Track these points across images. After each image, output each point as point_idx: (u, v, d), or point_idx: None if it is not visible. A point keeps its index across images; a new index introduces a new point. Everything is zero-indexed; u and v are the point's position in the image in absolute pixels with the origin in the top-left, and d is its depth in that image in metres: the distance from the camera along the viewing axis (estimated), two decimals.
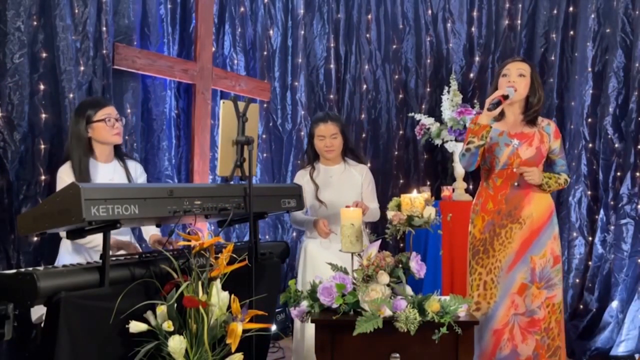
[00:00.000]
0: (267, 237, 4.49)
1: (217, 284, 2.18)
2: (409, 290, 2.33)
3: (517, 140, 2.75)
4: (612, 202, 3.98)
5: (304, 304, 2.30)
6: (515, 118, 2.82)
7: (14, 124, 2.84)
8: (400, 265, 2.35)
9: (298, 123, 4.66)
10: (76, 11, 3.12)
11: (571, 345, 3.89)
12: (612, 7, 4.01)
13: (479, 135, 2.64)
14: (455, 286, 3.84)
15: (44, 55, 3.01)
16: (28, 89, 2.90)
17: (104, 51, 3.26)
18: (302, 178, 3.24)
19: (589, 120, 4.09)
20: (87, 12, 3.15)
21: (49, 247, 2.90)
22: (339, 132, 3.19)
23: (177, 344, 2.05)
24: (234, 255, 2.25)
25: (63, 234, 2.49)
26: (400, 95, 4.78)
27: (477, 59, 4.66)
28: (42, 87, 3.00)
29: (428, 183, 4.65)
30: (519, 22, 4.51)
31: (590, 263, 4.04)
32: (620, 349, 3.73)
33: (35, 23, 2.96)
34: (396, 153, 4.75)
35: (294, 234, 4.60)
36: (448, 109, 4.22)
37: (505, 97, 2.65)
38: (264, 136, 4.56)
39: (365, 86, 4.79)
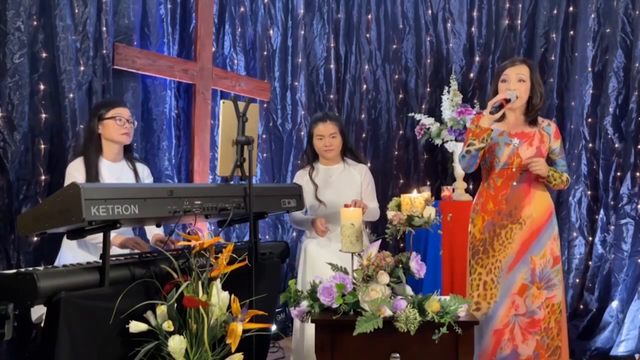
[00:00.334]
0: (267, 237, 4.49)
1: (217, 284, 2.18)
2: (409, 290, 2.33)
3: (517, 139, 2.74)
4: (612, 202, 3.98)
5: (304, 304, 2.30)
6: (516, 118, 2.81)
7: (14, 124, 2.84)
8: (400, 265, 2.35)
9: (298, 123, 4.66)
10: (76, 11, 3.12)
11: (571, 345, 3.86)
12: (612, 7, 4.01)
13: (480, 138, 2.64)
14: (455, 286, 3.84)
15: (44, 55, 3.01)
16: (28, 89, 2.91)
17: (104, 51, 3.26)
18: (301, 178, 3.24)
19: (589, 120, 4.09)
20: (87, 12, 3.16)
21: (49, 247, 2.90)
22: (337, 131, 3.19)
23: (177, 344, 2.05)
24: (234, 255, 2.25)
25: None
26: (400, 95, 4.78)
27: (477, 59, 4.66)
28: (42, 87, 3.00)
29: (428, 183, 4.65)
30: (519, 22, 4.51)
31: (590, 263, 4.04)
32: (620, 349, 3.73)
33: (35, 23, 2.97)
34: (396, 153, 4.75)
35: (294, 234, 4.60)
36: (448, 109, 4.22)
37: (507, 100, 2.65)
38: (264, 136, 4.56)
39: (365, 86, 4.79)
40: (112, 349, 2.07)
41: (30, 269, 1.98)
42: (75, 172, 2.64)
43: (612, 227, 3.95)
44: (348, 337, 2.14)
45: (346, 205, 2.57)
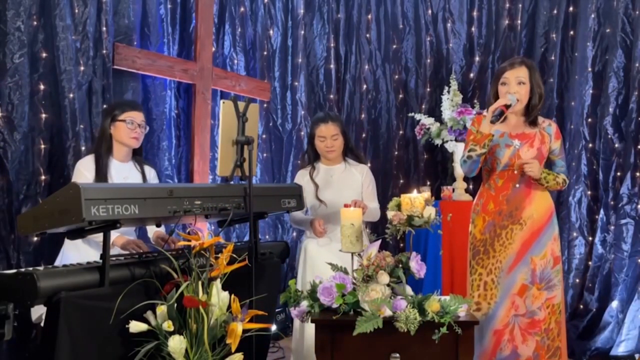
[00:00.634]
0: (267, 237, 4.49)
1: (217, 284, 2.18)
2: (409, 290, 2.33)
3: (518, 141, 2.74)
4: (612, 202, 3.98)
5: (304, 304, 2.30)
6: (517, 119, 2.81)
7: (14, 124, 2.84)
8: (400, 265, 2.35)
9: (298, 123, 4.66)
10: (76, 11, 3.12)
11: (571, 345, 3.88)
12: (612, 7, 4.01)
13: (481, 143, 2.64)
14: (455, 286, 3.84)
15: (44, 55, 3.01)
16: (28, 89, 2.91)
17: (104, 51, 3.26)
18: (302, 178, 3.24)
19: (589, 120, 4.09)
20: (87, 12, 3.16)
21: (49, 247, 2.90)
22: (339, 132, 3.19)
23: (177, 344, 2.05)
24: (234, 255, 2.25)
25: None
26: (400, 95, 4.78)
27: (477, 59, 4.66)
28: (42, 87, 3.00)
29: (428, 183, 4.65)
30: (519, 22, 4.51)
31: (590, 263, 4.04)
32: (620, 349, 3.73)
33: (35, 23, 2.97)
34: (396, 153, 4.75)
35: (294, 234, 4.60)
36: (448, 109, 4.22)
37: (508, 106, 2.65)
38: (264, 136, 4.56)
39: (365, 86, 4.79)
40: (112, 349, 2.07)
41: (30, 269, 1.98)
42: (85, 169, 2.66)
43: (612, 227, 3.95)
44: (348, 337, 2.14)
45: (346, 205, 2.57)
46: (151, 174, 2.91)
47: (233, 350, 2.13)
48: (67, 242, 2.67)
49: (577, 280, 4.07)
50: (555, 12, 4.31)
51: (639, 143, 3.89)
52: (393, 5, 4.78)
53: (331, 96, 4.77)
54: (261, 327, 2.22)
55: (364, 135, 4.77)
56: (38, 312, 2.36)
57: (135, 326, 2.05)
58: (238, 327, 2.13)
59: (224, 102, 2.53)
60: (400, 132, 4.76)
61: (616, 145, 3.98)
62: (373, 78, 4.79)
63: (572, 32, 4.26)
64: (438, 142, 4.25)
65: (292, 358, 3.16)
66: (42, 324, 2.31)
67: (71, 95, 3.05)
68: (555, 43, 4.28)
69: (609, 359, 3.75)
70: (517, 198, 2.74)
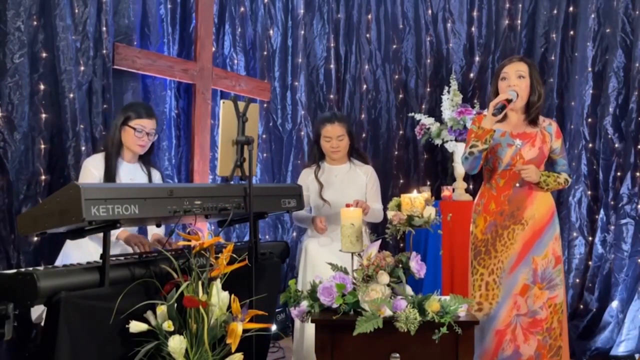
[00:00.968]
0: (267, 237, 4.49)
1: (217, 284, 2.19)
2: (409, 290, 2.33)
3: (519, 140, 2.74)
4: (612, 202, 3.98)
5: (304, 304, 2.30)
6: (518, 118, 2.81)
7: (14, 124, 2.84)
8: (400, 265, 2.35)
9: (298, 123, 4.66)
10: (76, 11, 3.12)
11: (571, 345, 3.86)
12: (612, 7, 4.01)
13: (483, 139, 2.64)
14: (455, 286, 3.84)
15: (44, 55, 3.01)
16: (28, 89, 2.91)
17: (104, 51, 3.26)
18: (306, 177, 3.25)
19: (589, 120, 4.09)
20: (87, 12, 3.16)
21: (49, 247, 2.90)
22: (345, 133, 3.20)
23: (177, 344, 2.05)
24: (234, 255, 2.25)
25: None
26: (400, 95, 4.78)
27: (477, 59, 4.66)
28: (42, 87, 3.00)
29: (428, 183, 4.64)
30: (519, 22, 4.51)
31: (590, 263, 4.04)
32: (621, 349, 3.72)
33: (35, 23, 2.97)
34: (396, 153, 4.75)
35: (294, 234, 4.60)
36: (448, 109, 4.22)
37: (509, 101, 2.65)
38: (264, 136, 4.56)
39: (365, 86, 4.79)
40: (112, 349, 2.07)
41: (30, 269, 1.98)
42: (93, 168, 2.66)
43: (612, 227, 3.95)
44: (348, 337, 2.14)
45: (348, 205, 2.57)
46: (156, 176, 2.91)
47: (233, 350, 2.13)
48: (68, 241, 2.67)
49: (577, 280, 4.06)
50: (555, 12, 4.31)
51: (639, 143, 3.89)
52: (393, 5, 4.78)
53: (331, 96, 4.77)
54: (261, 327, 2.22)
55: (364, 135, 4.77)
56: (38, 312, 2.37)
57: (135, 326, 2.05)
58: (238, 327, 2.13)
59: (224, 102, 2.53)
60: (400, 132, 4.76)
61: (616, 145, 3.98)
62: (373, 78, 4.79)
63: (572, 32, 4.26)
64: (438, 142, 4.25)
65: (292, 358, 3.16)
66: (42, 324, 2.31)
67: (71, 95, 3.05)
68: (555, 43, 4.28)
69: (609, 359, 3.75)
70: (519, 198, 2.74)
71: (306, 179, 3.24)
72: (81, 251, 2.55)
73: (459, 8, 4.68)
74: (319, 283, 2.31)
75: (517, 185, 2.74)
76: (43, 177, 2.98)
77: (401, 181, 4.72)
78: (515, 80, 2.72)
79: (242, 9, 4.35)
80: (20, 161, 2.88)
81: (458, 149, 4.16)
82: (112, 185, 2.48)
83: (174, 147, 3.86)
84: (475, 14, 4.67)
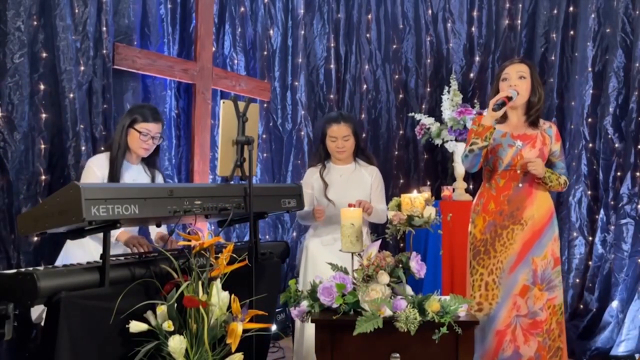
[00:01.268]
0: (267, 237, 4.49)
1: (217, 284, 2.19)
2: (409, 290, 2.33)
3: (520, 141, 2.75)
4: (612, 202, 3.98)
5: (304, 304, 2.30)
6: (518, 119, 2.82)
7: (14, 124, 2.84)
8: (400, 265, 2.35)
9: (298, 123, 4.66)
10: (76, 11, 3.12)
11: (571, 345, 3.88)
12: (612, 7, 4.01)
13: (483, 136, 2.64)
14: (455, 286, 3.84)
15: (44, 55, 3.01)
16: (28, 89, 2.91)
17: (104, 51, 3.26)
18: (311, 175, 3.26)
19: (589, 120, 4.09)
20: (87, 12, 3.16)
21: (49, 247, 2.90)
22: (351, 133, 3.20)
23: (177, 344, 2.05)
24: (234, 255, 2.25)
25: None
26: (400, 95, 4.78)
27: (477, 59, 4.66)
28: (42, 87, 3.00)
29: (428, 183, 4.64)
30: (519, 22, 4.51)
31: (590, 263, 4.04)
32: (621, 349, 3.72)
33: (35, 23, 2.97)
34: (396, 153, 4.75)
35: (294, 234, 4.60)
36: (448, 109, 4.22)
37: (509, 98, 2.65)
38: (264, 136, 4.56)
39: (365, 86, 4.79)
40: (112, 349, 2.07)
41: (30, 269, 1.98)
42: (96, 168, 2.66)
43: (612, 227, 3.95)
44: (348, 337, 2.14)
45: (350, 206, 2.57)
46: (158, 178, 2.92)
47: (233, 350, 2.13)
48: (69, 240, 2.67)
49: (577, 280, 4.06)
50: (555, 12, 4.31)
51: (639, 143, 3.89)
52: (393, 5, 4.78)
53: (331, 96, 4.78)
54: (261, 327, 2.22)
55: (364, 135, 4.77)
56: (38, 312, 2.37)
57: (135, 326, 2.05)
58: (238, 327, 2.13)
59: (224, 102, 2.53)
60: (400, 132, 4.76)
61: (616, 145, 3.98)
62: (373, 78, 4.79)
63: (572, 32, 4.26)
64: (438, 142, 4.25)
65: (293, 358, 3.16)
66: (42, 324, 2.31)
67: (71, 95, 3.05)
68: (555, 43, 4.28)
69: (609, 359, 3.75)
70: (518, 198, 2.74)
71: (311, 177, 3.25)
72: (82, 250, 2.56)
73: (459, 8, 4.68)
74: (319, 283, 2.31)
75: (519, 185, 2.74)
76: (43, 177, 2.98)
77: (401, 181, 4.72)
78: (516, 80, 2.73)
79: (242, 9, 4.35)
80: (20, 161, 2.88)
81: (458, 149, 4.16)
82: (112, 185, 2.48)
83: (174, 147, 3.86)
84: (475, 14, 4.67)
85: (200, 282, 2.15)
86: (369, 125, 4.79)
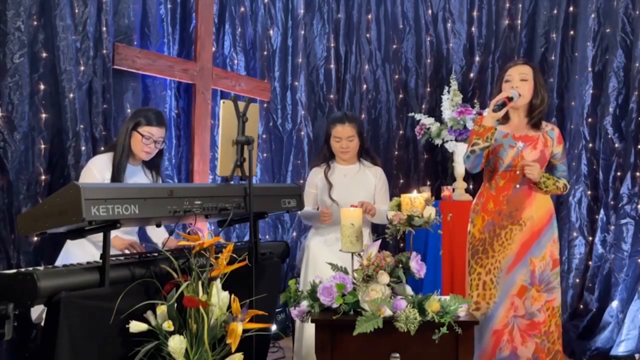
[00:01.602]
0: (267, 237, 4.49)
1: (217, 284, 2.19)
2: (409, 290, 2.33)
3: (521, 142, 2.74)
4: (612, 202, 3.98)
5: (304, 303, 2.30)
6: (520, 121, 2.82)
7: (14, 124, 2.84)
8: (400, 265, 2.35)
9: (298, 123, 4.66)
10: (76, 11, 3.12)
11: (571, 345, 3.88)
12: (612, 7, 4.01)
13: (484, 137, 2.64)
14: (455, 286, 3.84)
15: (44, 55, 3.01)
16: (28, 89, 2.91)
17: (104, 51, 3.26)
18: (316, 175, 3.26)
19: (589, 120, 4.09)
20: (87, 12, 3.16)
21: (49, 247, 2.90)
22: (355, 134, 3.20)
23: (177, 343, 2.05)
24: (234, 255, 2.25)
25: None
26: (400, 95, 4.78)
27: (477, 59, 4.66)
28: (42, 87, 3.00)
29: (428, 183, 4.64)
30: (519, 22, 4.51)
31: (590, 263, 4.04)
32: (621, 349, 3.72)
33: (35, 23, 2.97)
34: (396, 153, 4.75)
35: (294, 234, 4.60)
36: (448, 109, 4.22)
37: (510, 99, 2.65)
38: (264, 136, 4.56)
39: (365, 86, 4.79)
40: (112, 349, 2.07)
41: (30, 269, 1.98)
42: (96, 169, 2.65)
43: (612, 227, 3.95)
44: (348, 337, 2.15)
45: (352, 206, 2.57)
46: (159, 180, 2.92)
47: (233, 350, 2.13)
48: (69, 241, 2.67)
49: (577, 280, 4.06)
50: (555, 12, 4.31)
51: (639, 143, 3.89)
52: (393, 5, 4.78)
53: (331, 96, 4.78)
54: (261, 327, 2.22)
55: (364, 135, 4.77)
56: (38, 312, 2.36)
57: (135, 326, 2.05)
58: (238, 327, 2.13)
59: (224, 102, 2.53)
60: (400, 132, 4.76)
61: (616, 145, 3.98)
62: (373, 78, 4.79)
63: (572, 32, 4.26)
64: (438, 142, 4.25)
65: (293, 358, 3.16)
66: (42, 324, 2.31)
67: (71, 95, 3.05)
68: (555, 43, 4.28)
69: (609, 359, 3.75)
70: (518, 199, 2.74)
71: (315, 177, 3.25)
72: (82, 250, 2.56)
73: (459, 8, 4.69)
74: (319, 283, 2.31)
75: (517, 186, 2.74)
76: (43, 177, 2.98)
77: (401, 181, 4.72)
78: (518, 82, 2.73)
79: (242, 8, 4.35)
80: (20, 161, 2.88)
81: (458, 149, 4.16)
82: (112, 185, 2.48)
83: (174, 147, 3.86)
84: (475, 14, 4.67)
85: (200, 282, 2.15)
86: (369, 125, 4.79)
